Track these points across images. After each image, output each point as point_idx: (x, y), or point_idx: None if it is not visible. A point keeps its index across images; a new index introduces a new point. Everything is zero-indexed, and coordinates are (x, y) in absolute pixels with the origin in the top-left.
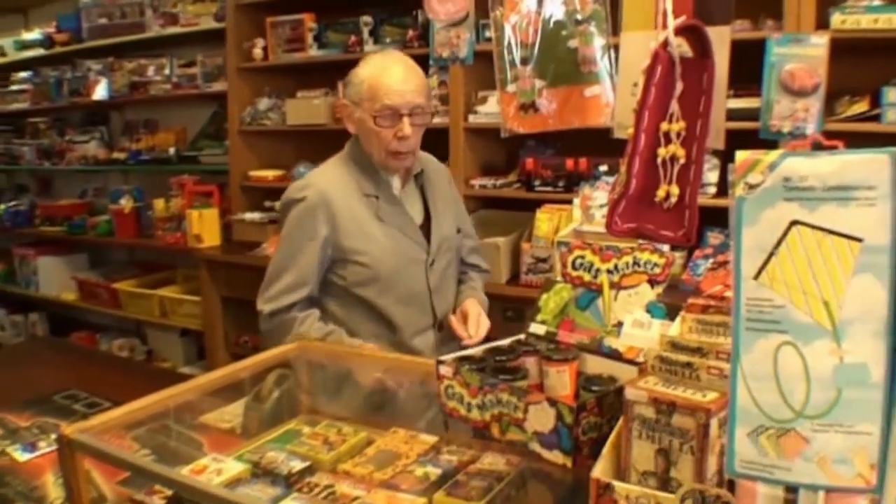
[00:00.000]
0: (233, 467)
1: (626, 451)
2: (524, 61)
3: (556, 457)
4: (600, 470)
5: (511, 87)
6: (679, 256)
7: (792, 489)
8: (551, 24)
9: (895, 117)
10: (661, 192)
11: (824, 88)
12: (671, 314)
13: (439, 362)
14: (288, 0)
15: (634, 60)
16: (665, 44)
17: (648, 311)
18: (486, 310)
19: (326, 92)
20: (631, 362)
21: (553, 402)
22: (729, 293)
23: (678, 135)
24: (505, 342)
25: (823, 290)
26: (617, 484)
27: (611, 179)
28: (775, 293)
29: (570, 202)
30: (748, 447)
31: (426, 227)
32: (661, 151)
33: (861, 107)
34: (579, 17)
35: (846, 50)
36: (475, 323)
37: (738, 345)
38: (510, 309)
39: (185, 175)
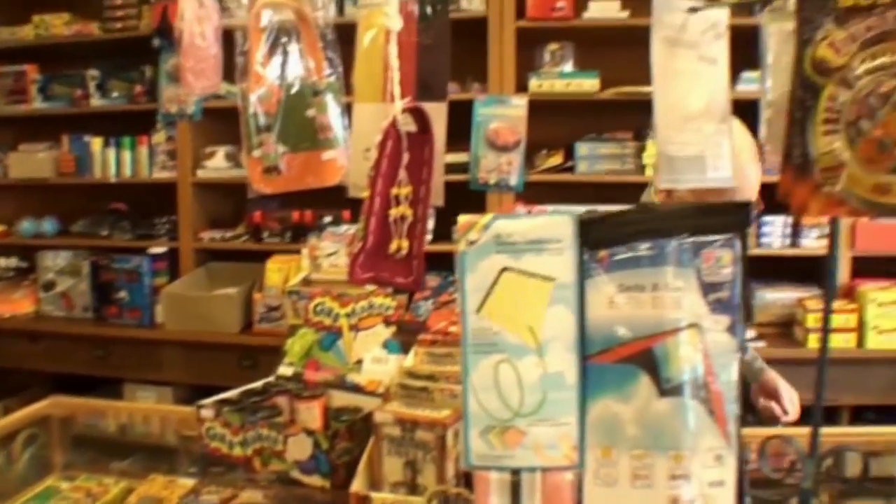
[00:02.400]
0: None
1: (377, 466)
2: (268, 129)
3: (315, 480)
4: (357, 485)
5: (256, 153)
6: (402, 299)
7: (516, 472)
8: (292, 95)
9: (586, 168)
10: (393, 246)
11: (524, 144)
12: (405, 349)
13: (199, 406)
14: (10, 50)
15: (365, 128)
16: (394, 122)
17: (385, 347)
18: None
19: (51, 145)
20: (373, 394)
21: (310, 432)
22: (452, 328)
23: (406, 197)
24: (258, 384)
25: (528, 318)
26: (374, 495)
27: (336, 230)
28: (493, 323)
29: (297, 252)
30: (480, 444)
31: None
32: (393, 212)
33: (556, 159)
34: (317, 88)
35: (543, 109)
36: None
37: (467, 364)
38: (245, 357)
39: None
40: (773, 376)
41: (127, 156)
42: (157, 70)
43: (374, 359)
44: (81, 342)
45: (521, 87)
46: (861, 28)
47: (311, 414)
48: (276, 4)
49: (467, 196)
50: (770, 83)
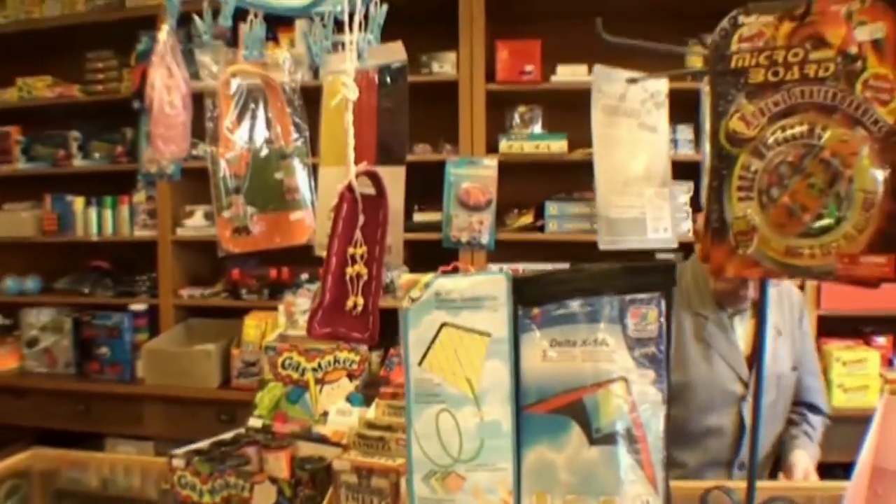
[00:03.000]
0: None
1: None
2: (237, 190)
3: None
4: None
5: (226, 213)
6: (376, 355)
7: None
8: (260, 158)
9: (556, 227)
10: (349, 303)
11: (495, 203)
12: (368, 402)
13: (171, 456)
14: None
15: (330, 190)
16: (349, 186)
17: (349, 400)
18: (817, 459)
19: (34, 204)
20: (337, 444)
21: (274, 480)
22: None
23: (361, 257)
24: (228, 435)
25: (467, 370)
26: None
27: (312, 287)
28: (434, 374)
29: (275, 308)
30: (423, 488)
31: (752, 358)
32: (349, 270)
33: (527, 219)
34: (284, 152)
35: (513, 170)
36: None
37: (410, 414)
38: (224, 412)
39: None
40: (797, 456)
41: (108, 214)
42: (138, 131)
43: (338, 411)
44: (64, 398)
45: (492, 149)
46: (770, 102)
47: (278, 464)
48: (244, 72)
49: (440, 254)
50: (709, 149)
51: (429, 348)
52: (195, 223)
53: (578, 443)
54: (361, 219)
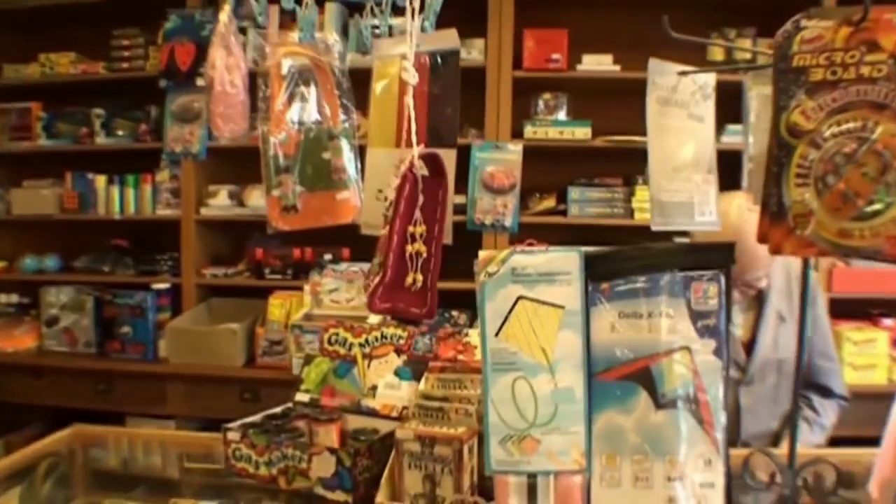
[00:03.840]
0: None
1: (399, 480)
2: (287, 170)
3: (338, 496)
4: (381, 497)
5: (276, 192)
6: (412, 329)
7: (532, 476)
8: (310, 139)
9: (578, 211)
10: (409, 279)
11: (519, 187)
12: (416, 376)
13: (226, 429)
14: (15, 88)
15: (378, 171)
16: (411, 166)
17: (397, 374)
18: (814, 442)
19: (54, 182)
20: (387, 417)
21: (334, 451)
22: (460, 356)
23: (421, 235)
24: (277, 409)
25: (542, 340)
26: None
27: (336, 267)
28: (510, 344)
29: (298, 289)
30: (500, 452)
31: (750, 344)
32: (409, 248)
33: (549, 203)
34: (333, 133)
35: (537, 155)
36: None
37: (488, 381)
38: (247, 391)
39: None
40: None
41: (131, 193)
42: (163, 110)
43: (387, 385)
44: (84, 377)
45: (517, 134)
46: (828, 99)
47: (329, 436)
48: (295, 54)
49: (464, 236)
50: (752, 140)
51: (505, 320)
52: (219, 203)
53: (645, 407)
54: (421, 198)
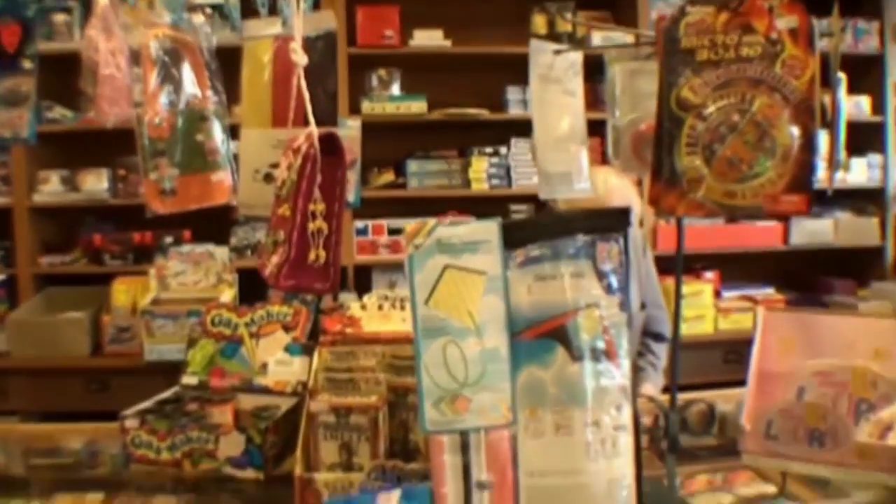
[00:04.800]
0: None
1: (314, 451)
2: (162, 153)
3: (248, 474)
4: (298, 470)
5: (153, 175)
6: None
7: (465, 433)
8: (183, 121)
9: (417, 184)
10: (311, 256)
11: (360, 163)
12: (306, 352)
13: (123, 417)
14: None
15: (253, 151)
16: (311, 145)
17: (288, 351)
18: (660, 386)
19: None
20: (281, 393)
21: (243, 429)
22: (348, 330)
23: (321, 213)
24: (167, 394)
25: (468, 304)
26: (318, 476)
27: (180, 249)
28: (439, 311)
29: (141, 273)
30: (434, 413)
31: None
32: (311, 225)
33: (388, 177)
34: (204, 114)
35: (374, 130)
36: None
37: (419, 347)
38: (94, 381)
39: None
40: (646, 389)
41: None
42: None
43: (278, 361)
44: None
45: (354, 110)
46: (712, 76)
47: (224, 416)
48: (164, 36)
49: None
50: (618, 112)
51: (433, 288)
52: (51, 188)
53: (563, 361)
54: (319, 177)
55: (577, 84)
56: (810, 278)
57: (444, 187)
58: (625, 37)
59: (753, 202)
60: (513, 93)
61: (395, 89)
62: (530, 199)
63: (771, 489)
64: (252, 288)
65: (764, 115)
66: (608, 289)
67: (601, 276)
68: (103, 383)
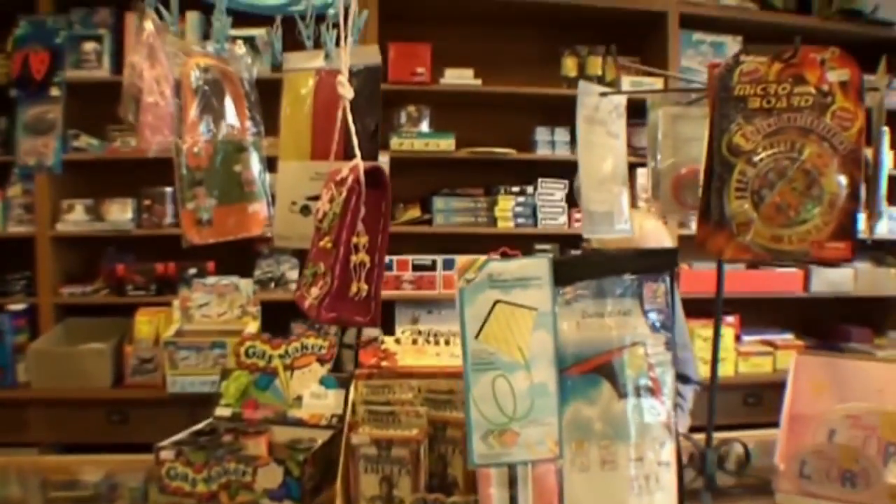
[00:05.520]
0: None
1: (354, 485)
2: (200, 183)
3: None
4: (338, 503)
5: (190, 205)
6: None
7: (512, 466)
8: (221, 151)
9: (442, 220)
10: (353, 289)
11: None
12: (341, 385)
13: (159, 449)
14: None
15: (291, 183)
16: (358, 179)
17: (322, 383)
18: (687, 426)
19: None
20: (316, 426)
21: (281, 461)
22: (383, 363)
23: (363, 246)
24: (201, 426)
25: (518, 340)
26: None
27: (204, 281)
28: (489, 345)
29: (163, 304)
30: (482, 446)
31: None
32: (353, 258)
33: (414, 212)
34: (243, 145)
35: (401, 165)
36: None
37: (469, 381)
38: (115, 412)
39: None
40: None
41: None
42: (14, 121)
43: (312, 394)
44: None
45: (383, 146)
46: (764, 124)
47: (258, 448)
48: (205, 64)
49: None
50: (659, 155)
51: (484, 323)
52: (75, 217)
53: (609, 397)
54: (362, 210)
55: (620, 126)
56: (829, 325)
57: (470, 224)
58: (655, 82)
59: (799, 247)
60: (541, 133)
61: (424, 126)
62: (555, 238)
63: None
64: (275, 321)
65: (813, 164)
66: (654, 327)
67: (647, 314)
68: (124, 415)
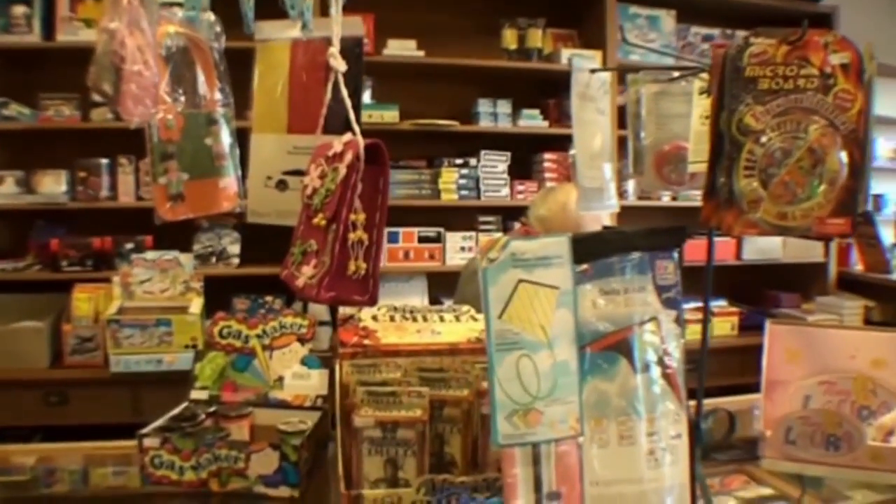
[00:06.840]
0: None
1: (357, 467)
2: (171, 156)
3: (282, 492)
4: (342, 487)
5: (162, 179)
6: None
7: (536, 445)
8: (192, 124)
9: None
10: (351, 267)
11: None
12: (323, 364)
13: (142, 436)
14: None
15: (266, 157)
16: (357, 156)
17: (304, 363)
18: None
19: None
20: (300, 407)
21: (276, 446)
22: (366, 341)
23: (361, 223)
24: (178, 410)
25: (540, 319)
26: (366, 493)
27: (144, 256)
28: (512, 325)
29: (101, 280)
30: (507, 426)
31: None
32: (351, 236)
33: None
34: (213, 117)
35: None
36: None
37: (493, 361)
38: (53, 394)
39: None
40: None
41: None
42: None
43: (295, 375)
44: None
45: None
46: (773, 105)
47: (241, 432)
48: (175, 32)
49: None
50: (643, 132)
51: (507, 302)
52: (5, 190)
53: (626, 373)
54: (360, 187)
55: (607, 103)
56: (759, 291)
57: (414, 197)
58: (593, 57)
59: (803, 223)
60: (483, 105)
61: (367, 97)
62: (498, 210)
63: (767, 491)
64: (216, 297)
65: (819, 143)
66: (666, 303)
67: (660, 290)
68: (63, 396)
